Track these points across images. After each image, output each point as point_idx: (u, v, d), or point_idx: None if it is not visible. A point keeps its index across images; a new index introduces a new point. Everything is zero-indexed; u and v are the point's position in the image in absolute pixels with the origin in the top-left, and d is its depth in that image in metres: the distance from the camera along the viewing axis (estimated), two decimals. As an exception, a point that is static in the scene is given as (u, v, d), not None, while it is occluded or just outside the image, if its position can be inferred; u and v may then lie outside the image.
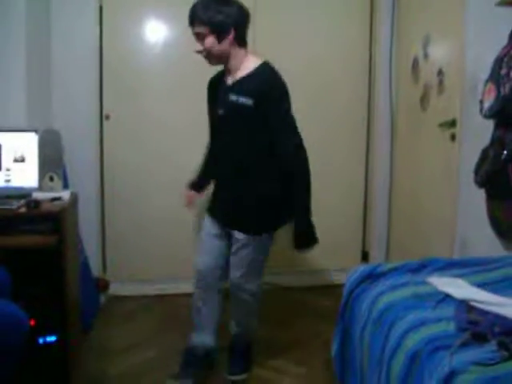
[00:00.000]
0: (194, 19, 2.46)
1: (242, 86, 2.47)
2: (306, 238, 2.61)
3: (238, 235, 2.55)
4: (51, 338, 2.50)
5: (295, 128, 2.57)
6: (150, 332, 3.19)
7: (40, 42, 3.30)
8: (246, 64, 2.51)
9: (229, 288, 2.69)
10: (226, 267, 2.66)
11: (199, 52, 2.48)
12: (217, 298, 2.71)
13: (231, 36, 2.43)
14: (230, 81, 2.53)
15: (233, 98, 2.46)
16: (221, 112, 2.53)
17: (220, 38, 2.43)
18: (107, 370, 2.71)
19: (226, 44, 2.45)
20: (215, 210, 2.68)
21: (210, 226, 2.68)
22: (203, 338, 2.71)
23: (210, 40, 2.43)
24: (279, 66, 3.76)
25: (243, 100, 2.43)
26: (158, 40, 3.68)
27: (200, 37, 2.45)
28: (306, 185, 2.56)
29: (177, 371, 2.64)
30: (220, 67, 2.60)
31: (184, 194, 2.87)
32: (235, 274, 2.62)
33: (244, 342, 2.83)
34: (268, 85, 2.47)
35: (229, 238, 2.63)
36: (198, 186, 2.85)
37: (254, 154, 2.52)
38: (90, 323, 3.20)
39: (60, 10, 3.47)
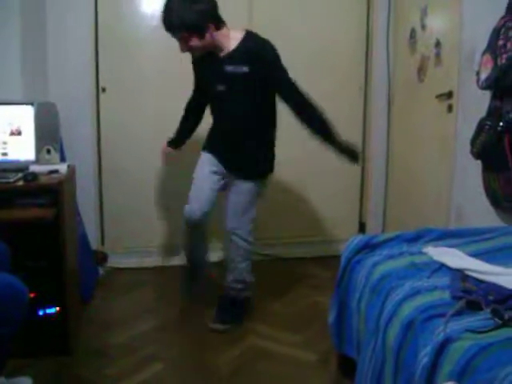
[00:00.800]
0: (170, 28, 2.55)
1: (235, 56, 2.65)
2: (352, 151, 2.88)
3: (240, 183, 2.82)
4: (51, 310, 2.53)
5: (294, 83, 2.78)
6: (149, 304, 3.22)
7: (35, 15, 3.26)
8: (232, 38, 2.67)
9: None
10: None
11: (184, 51, 2.63)
12: (204, 234, 3.01)
13: (211, 28, 2.58)
14: (221, 55, 2.68)
15: (229, 68, 2.65)
16: (221, 87, 2.71)
17: (201, 36, 2.57)
18: (106, 341, 2.73)
19: (208, 36, 2.59)
20: (216, 150, 2.88)
21: (207, 162, 2.88)
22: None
23: (194, 40, 2.58)
24: (275, 36, 3.76)
25: (239, 69, 2.64)
26: (154, 11, 3.62)
27: (182, 40, 2.58)
28: (326, 118, 2.82)
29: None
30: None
31: (162, 150, 3.07)
32: (233, 220, 2.86)
33: (236, 294, 2.99)
34: (258, 49, 2.66)
35: (223, 180, 2.88)
36: (176, 143, 3.06)
37: (254, 112, 2.77)
38: (89, 295, 3.22)
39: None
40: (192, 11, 2.49)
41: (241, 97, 2.72)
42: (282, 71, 2.73)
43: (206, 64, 2.76)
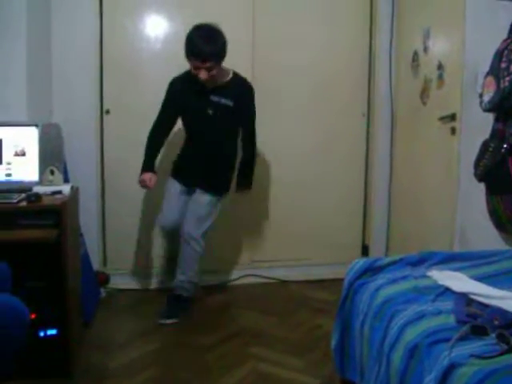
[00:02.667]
0: (210, 56, 2.91)
1: (223, 91, 3.12)
2: (248, 185, 3.43)
3: (203, 194, 3.21)
4: (52, 332, 2.51)
5: (255, 123, 3.32)
6: (150, 326, 3.19)
7: (40, 36, 3.30)
8: (222, 73, 3.11)
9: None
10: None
11: (206, 80, 2.99)
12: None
13: None
14: (209, 85, 3.08)
15: (214, 99, 3.12)
16: (210, 112, 3.13)
17: (219, 65, 3.02)
18: (108, 363, 2.71)
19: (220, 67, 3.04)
20: (183, 174, 3.30)
21: (176, 185, 3.29)
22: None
23: (215, 69, 2.99)
24: (279, 60, 3.79)
25: (225, 101, 3.12)
26: (158, 34, 3.67)
27: (209, 68, 2.95)
28: (254, 164, 3.40)
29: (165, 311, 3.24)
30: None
31: (144, 178, 3.17)
32: (191, 227, 3.19)
33: (184, 291, 3.30)
34: (243, 91, 3.19)
35: (187, 195, 3.28)
36: (153, 167, 3.24)
37: (227, 137, 3.25)
38: (91, 316, 3.20)
39: (60, 4, 3.48)
40: (221, 42, 2.96)
41: (223, 124, 3.18)
42: (254, 111, 3.26)
43: (193, 92, 3.13)
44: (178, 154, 3.36)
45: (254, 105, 3.25)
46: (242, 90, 3.18)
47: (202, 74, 2.96)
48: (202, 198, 3.22)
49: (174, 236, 3.40)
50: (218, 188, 3.28)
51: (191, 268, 3.26)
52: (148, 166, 3.20)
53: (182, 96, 3.17)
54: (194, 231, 3.19)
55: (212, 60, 2.93)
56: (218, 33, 2.97)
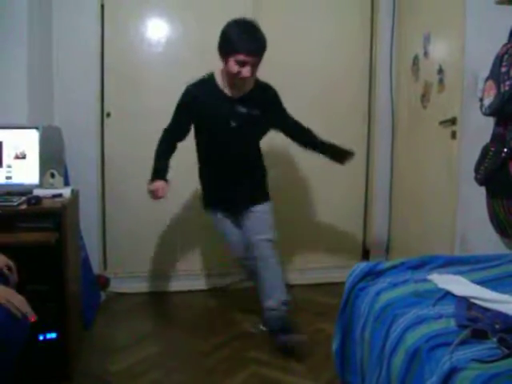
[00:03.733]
0: (260, 50, 2.74)
1: (249, 99, 2.88)
2: (343, 154, 3.19)
3: (257, 207, 2.96)
4: (51, 335, 2.50)
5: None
6: (150, 329, 3.19)
7: (41, 40, 3.30)
8: (249, 80, 2.86)
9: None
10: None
11: (245, 77, 2.75)
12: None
13: None
14: (234, 95, 2.87)
15: (241, 110, 2.86)
16: (233, 124, 2.87)
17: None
18: (107, 367, 2.71)
19: None
20: (220, 203, 3.03)
21: (221, 218, 3.04)
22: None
23: (256, 68, 2.80)
24: (280, 64, 3.79)
25: (251, 111, 2.87)
26: (159, 38, 3.68)
27: (255, 64, 2.76)
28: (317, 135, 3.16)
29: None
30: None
31: (157, 186, 2.80)
32: (263, 235, 2.92)
33: (282, 317, 2.93)
34: (269, 95, 2.99)
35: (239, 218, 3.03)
36: (165, 175, 2.88)
37: (256, 149, 3.07)
38: (91, 320, 3.20)
39: (62, 8, 3.48)
40: (265, 37, 2.77)
41: (250, 136, 2.99)
42: (286, 111, 3.07)
43: (216, 102, 2.87)
44: (202, 181, 3.09)
45: (282, 104, 3.05)
46: (268, 95, 2.98)
47: (246, 72, 2.70)
48: (257, 209, 2.97)
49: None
50: (264, 195, 3.06)
51: (277, 286, 2.93)
52: (159, 173, 2.86)
53: (202, 106, 2.87)
54: (269, 236, 2.93)
55: (260, 54, 2.73)
56: (259, 28, 2.78)
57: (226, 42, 2.73)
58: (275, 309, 2.89)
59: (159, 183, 2.81)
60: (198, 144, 3.00)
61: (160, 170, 2.87)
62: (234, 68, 2.71)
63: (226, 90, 2.87)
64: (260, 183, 3.09)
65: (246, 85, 2.87)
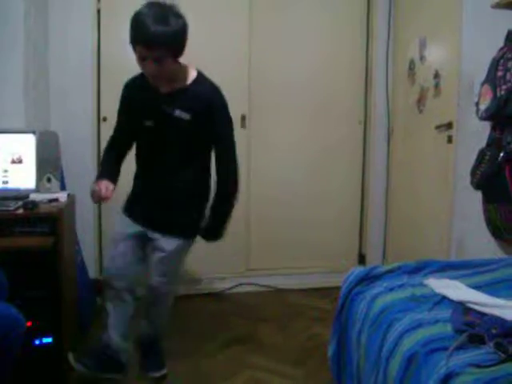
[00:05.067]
0: (154, 42, 2.14)
1: (179, 98, 2.35)
2: (216, 235, 2.58)
3: (167, 240, 2.44)
4: (47, 340, 2.49)
5: (234, 151, 2.48)
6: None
7: (38, 45, 3.29)
8: (182, 74, 2.37)
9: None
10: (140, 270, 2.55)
11: (153, 75, 2.27)
12: (130, 304, 2.57)
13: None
14: (163, 90, 2.36)
15: (167, 109, 2.34)
16: (149, 123, 2.39)
17: (176, 58, 2.27)
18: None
19: (176, 61, 2.29)
20: (136, 210, 2.53)
21: (126, 225, 2.51)
22: (114, 338, 2.56)
23: (168, 62, 2.23)
24: (275, 70, 3.79)
25: (179, 113, 2.33)
26: (155, 42, 3.67)
27: (157, 59, 2.19)
28: (232, 206, 2.55)
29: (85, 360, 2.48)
30: (136, 69, 2.41)
31: (100, 186, 2.39)
32: (159, 279, 2.50)
33: (157, 341, 2.71)
34: (208, 101, 2.36)
35: (145, 240, 2.50)
36: (111, 177, 2.51)
37: (183, 161, 2.45)
38: (88, 325, 3.19)
39: (58, 12, 3.48)
40: (177, 25, 2.17)
41: (177, 144, 2.41)
42: (228, 129, 2.47)
43: (143, 99, 2.43)
44: (131, 188, 2.62)
45: (225, 121, 2.43)
46: (205, 100, 2.35)
47: (149, 67, 2.21)
48: (166, 244, 2.45)
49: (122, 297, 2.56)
50: (181, 229, 2.48)
51: (160, 320, 2.68)
52: (104, 173, 2.50)
53: (132, 99, 2.50)
54: (167, 289, 2.56)
55: (162, 46, 2.14)
56: (173, 13, 2.17)
57: (130, 28, 2.24)
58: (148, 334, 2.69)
59: (103, 183, 2.40)
60: (133, 143, 2.58)
61: (104, 172, 2.53)
62: (138, 62, 2.26)
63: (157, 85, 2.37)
64: (180, 213, 2.49)
65: (176, 80, 2.35)
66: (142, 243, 2.51)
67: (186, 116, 2.33)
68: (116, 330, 2.56)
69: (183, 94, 2.35)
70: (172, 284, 2.59)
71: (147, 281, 2.54)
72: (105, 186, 2.38)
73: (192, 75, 2.38)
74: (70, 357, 2.47)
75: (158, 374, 2.65)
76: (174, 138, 2.39)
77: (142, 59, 2.22)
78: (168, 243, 2.45)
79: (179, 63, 2.33)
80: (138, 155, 2.55)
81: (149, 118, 2.39)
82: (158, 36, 2.12)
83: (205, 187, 2.55)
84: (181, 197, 2.47)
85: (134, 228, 2.49)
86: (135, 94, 2.48)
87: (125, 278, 2.50)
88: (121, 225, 2.55)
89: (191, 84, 2.37)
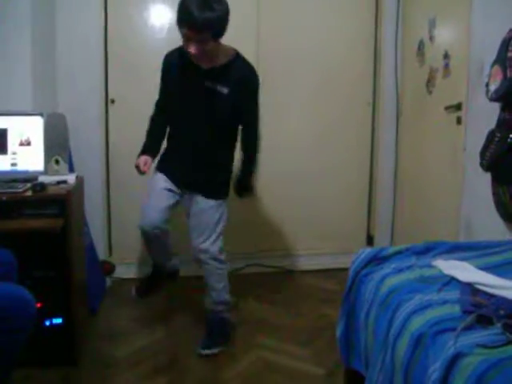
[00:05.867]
0: (199, 26, 2.31)
1: (219, 74, 2.57)
2: (248, 189, 2.86)
3: (201, 200, 2.70)
4: (57, 321, 2.52)
5: (259, 122, 2.76)
6: (156, 314, 3.21)
7: (45, 27, 3.29)
8: (222, 52, 2.56)
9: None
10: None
11: (196, 55, 2.44)
12: (166, 238, 2.85)
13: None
14: (203, 66, 2.55)
15: (208, 84, 2.57)
16: (194, 98, 2.62)
17: (216, 39, 2.44)
18: (114, 352, 2.73)
19: (217, 42, 2.47)
20: (173, 172, 2.74)
21: (164, 181, 2.74)
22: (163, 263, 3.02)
23: (209, 44, 2.41)
24: (285, 48, 3.77)
25: (220, 88, 2.56)
26: (162, 24, 3.66)
27: (200, 41, 2.37)
28: (257, 162, 2.80)
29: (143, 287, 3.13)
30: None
31: (139, 161, 2.73)
32: (196, 240, 2.73)
33: (218, 318, 2.85)
34: (244, 77, 2.59)
35: (180, 197, 2.77)
36: (152, 150, 2.81)
37: (221, 138, 2.71)
38: (96, 306, 3.22)
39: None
40: (221, 11, 2.34)
41: (216, 114, 2.62)
42: (256, 106, 2.71)
43: (184, 72, 2.63)
44: (165, 148, 2.85)
45: (256, 98, 2.68)
46: (242, 76, 2.57)
47: (192, 48, 2.39)
48: (204, 205, 2.71)
49: (156, 240, 2.81)
50: (216, 191, 2.74)
51: (217, 287, 2.80)
52: (146, 148, 2.79)
53: (173, 73, 2.68)
54: (209, 247, 2.71)
55: (206, 30, 2.32)
56: (217, 1, 2.35)
57: (177, 11, 2.38)
58: (209, 307, 2.87)
59: (142, 157, 2.74)
60: (169, 111, 2.80)
61: (146, 145, 2.82)
62: (183, 42, 2.45)
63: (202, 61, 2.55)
64: (219, 177, 2.75)
65: (216, 58, 2.54)
66: (175, 202, 2.76)
67: (225, 90, 2.56)
68: (159, 258, 2.97)
69: (223, 71, 2.56)
70: (214, 246, 2.72)
71: (192, 248, 2.77)
72: (143, 161, 2.71)
73: (231, 54, 2.60)
74: (133, 291, 3.13)
75: (205, 352, 2.74)
76: (212, 110, 2.61)
77: (186, 40, 2.40)
78: (206, 203, 2.70)
79: (220, 43, 2.51)
80: (175, 123, 2.78)
81: (192, 91, 2.61)
82: (203, 21, 2.29)
83: (232, 155, 2.81)
84: (215, 161, 2.72)
85: (170, 185, 2.73)
86: (176, 68, 2.67)
87: (157, 227, 2.70)
88: (156, 180, 2.76)
89: (230, 62, 2.58)
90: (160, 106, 2.85)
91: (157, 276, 3.11)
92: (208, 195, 2.70)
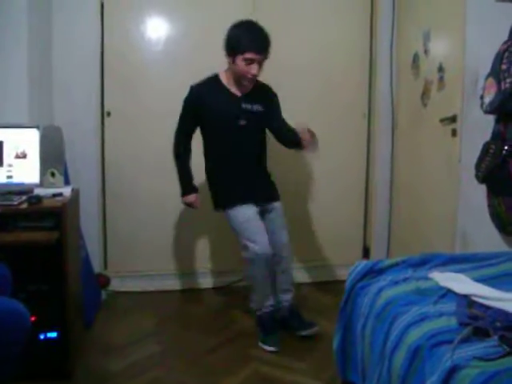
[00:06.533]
0: (265, 48, 2.86)
1: (253, 97, 3.00)
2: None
3: (277, 204, 3.10)
4: (52, 334, 2.50)
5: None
6: (152, 328, 3.19)
7: (41, 39, 3.30)
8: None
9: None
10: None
11: (253, 75, 2.88)
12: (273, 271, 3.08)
13: None
14: (238, 92, 2.99)
15: (248, 106, 2.98)
16: (242, 122, 2.96)
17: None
18: (109, 365, 2.71)
19: None
20: (247, 195, 2.99)
21: (248, 210, 2.96)
22: (272, 302, 3.09)
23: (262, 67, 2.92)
24: (281, 61, 3.79)
25: (257, 107, 3.00)
26: (159, 37, 3.67)
27: (261, 63, 2.88)
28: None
29: (265, 337, 2.99)
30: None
31: (190, 200, 3.08)
32: (284, 237, 3.08)
33: (295, 304, 3.20)
34: (271, 94, 3.13)
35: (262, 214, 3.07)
36: (195, 188, 3.12)
37: (261, 144, 3.12)
38: (92, 319, 3.20)
39: (62, 7, 3.48)
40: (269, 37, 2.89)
41: (257, 133, 3.05)
42: (281, 110, 3.15)
43: (220, 100, 2.96)
44: (220, 180, 3.05)
45: (280, 105, 3.15)
46: (269, 94, 3.11)
47: (254, 69, 2.85)
48: (279, 208, 3.11)
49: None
50: (277, 193, 3.15)
51: (293, 282, 3.23)
52: (189, 186, 3.09)
53: (209, 104, 2.95)
54: (288, 242, 3.11)
55: (267, 52, 2.87)
56: (263, 28, 2.91)
57: (234, 41, 2.83)
58: (289, 304, 3.16)
59: (192, 196, 3.08)
60: (208, 143, 3.06)
61: (189, 183, 3.09)
62: (243, 66, 2.84)
63: (233, 89, 2.98)
64: (271, 181, 3.18)
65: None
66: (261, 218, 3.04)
67: (259, 108, 3.01)
68: (271, 295, 3.07)
69: (254, 94, 3.01)
70: (287, 236, 3.12)
71: (275, 246, 3.01)
72: (194, 199, 3.10)
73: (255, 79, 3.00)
74: (262, 345, 2.95)
75: (308, 332, 3.04)
76: (255, 128, 3.03)
77: (248, 63, 2.84)
78: (279, 205, 3.11)
79: None
80: (218, 150, 3.05)
81: (238, 116, 2.97)
82: (268, 45, 2.87)
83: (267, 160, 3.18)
84: (267, 173, 3.18)
85: (255, 209, 3.00)
86: (212, 97, 2.96)
87: (268, 251, 2.93)
88: (244, 211, 2.96)
89: (255, 86, 3.01)
90: (182, 133, 3.07)
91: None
92: (276, 199, 3.11)
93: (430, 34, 3.41)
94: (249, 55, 2.81)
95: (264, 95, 3.06)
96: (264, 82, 3.09)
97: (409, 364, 1.62)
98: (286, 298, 3.15)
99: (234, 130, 2.97)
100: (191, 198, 3.08)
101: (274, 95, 3.14)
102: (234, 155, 3.01)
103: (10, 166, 2.69)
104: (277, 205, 3.10)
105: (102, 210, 3.73)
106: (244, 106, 2.97)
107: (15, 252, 2.33)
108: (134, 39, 3.64)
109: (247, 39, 2.82)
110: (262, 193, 3.07)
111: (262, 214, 3.05)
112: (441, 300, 1.86)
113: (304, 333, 3.02)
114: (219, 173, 3.05)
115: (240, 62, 2.84)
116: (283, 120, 3.13)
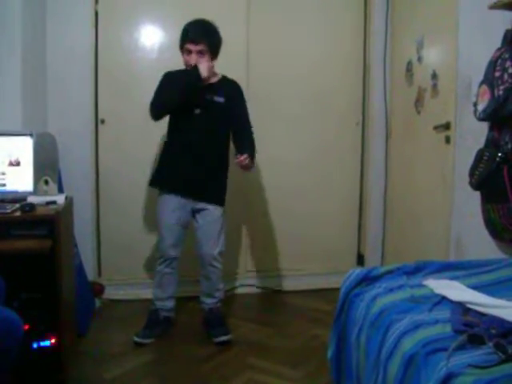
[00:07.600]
0: (200, 38, 2.91)
1: (216, 88, 3.03)
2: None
3: (210, 207, 3.05)
4: (45, 343, 2.48)
5: (251, 125, 3.13)
6: (146, 336, 3.17)
7: (35, 47, 3.29)
8: (214, 74, 3.05)
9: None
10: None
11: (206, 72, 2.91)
12: (177, 269, 3.19)
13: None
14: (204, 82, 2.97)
15: (208, 96, 3.00)
16: (197, 111, 3.00)
17: (214, 57, 3.02)
18: (101, 374, 2.69)
19: (214, 62, 3.02)
20: (179, 185, 3.02)
21: (172, 203, 3.03)
22: (165, 303, 3.22)
23: (208, 58, 2.97)
24: (274, 70, 3.80)
25: (218, 98, 3.02)
26: (153, 45, 3.68)
27: (199, 51, 2.92)
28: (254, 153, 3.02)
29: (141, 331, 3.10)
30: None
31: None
32: (209, 248, 3.08)
33: (219, 311, 3.23)
34: (235, 89, 3.11)
35: (188, 213, 3.08)
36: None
37: (217, 139, 3.07)
38: (86, 327, 3.18)
39: (55, 14, 3.48)
40: (217, 33, 2.98)
41: (215, 122, 3.03)
42: (246, 110, 3.11)
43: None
44: (162, 161, 3.15)
45: (245, 104, 3.12)
46: (232, 88, 3.10)
47: (193, 59, 2.92)
48: (213, 213, 3.05)
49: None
50: (220, 198, 3.08)
51: (219, 288, 3.21)
52: (183, 71, 3.03)
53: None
54: (215, 252, 3.08)
55: (205, 42, 2.91)
56: (214, 26, 2.99)
57: (180, 36, 3.00)
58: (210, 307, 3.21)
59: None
60: (168, 125, 3.12)
61: (180, 70, 3.06)
62: (185, 58, 2.98)
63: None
64: (218, 184, 3.10)
65: (211, 77, 3.00)
66: (186, 216, 3.08)
67: (221, 100, 3.02)
68: (166, 294, 3.19)
69: (218, 86, 3.04)
70: (219, 247, 3.10)
71: (199, 252, 3.11)
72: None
73: (219, 75, 3.09)
74: (135, 338, 3.05)
75: (225, 338, 3.07)
76: (212, 120, 3.03)
77: (188, 53, 2.95)
78: (214, 210, 3.05)
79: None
80: (175, 135, 3.08)
81: (194, 105, 2.99)
82: (202, 35, 2.93)
83: (227, 162, 3.12)
84: (219, 175, 3.09)
85: (180, 203, 3.02)
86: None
87: (177, 251, 3.12)
88: (168, 202, 3.04)
89: (220, 80, 3.08)
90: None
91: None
92: (214, 201, 3.05)
93: (423, 42, 3.43)
94: (187, 46, 2.95)
95: (229, 89, 3.08)
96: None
97: (404, 372, 1.61)
98: (206, 301, 3.21)
99: (188, 118, 3.01)
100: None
101: (241, 93, 3.13)
102: (183, 142, 3.03)
103: (3, 173, 2.68)
104: (211, 208, 3.05)
105: (96, 218, 3.72)
106: (207, 96, 3.00)
107: (8, 260, 2.31)
108: (128, 47, 3.65)
109: (185, 32, 2.96)
110: (198, 189, 3.03)
111: (194, 213, 3.08)
112: (435, 307, 1.86)
113: (215, 340, 3.07)
114: (166, 154, 3.13)
115: (184, 54, 2.98)
116: (245, 123, 3.08)
